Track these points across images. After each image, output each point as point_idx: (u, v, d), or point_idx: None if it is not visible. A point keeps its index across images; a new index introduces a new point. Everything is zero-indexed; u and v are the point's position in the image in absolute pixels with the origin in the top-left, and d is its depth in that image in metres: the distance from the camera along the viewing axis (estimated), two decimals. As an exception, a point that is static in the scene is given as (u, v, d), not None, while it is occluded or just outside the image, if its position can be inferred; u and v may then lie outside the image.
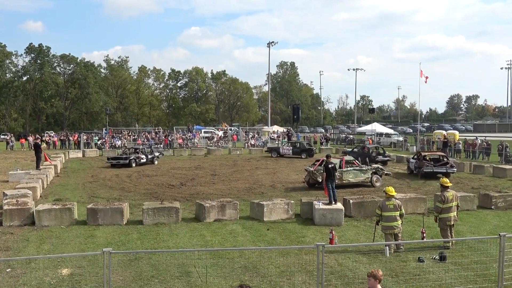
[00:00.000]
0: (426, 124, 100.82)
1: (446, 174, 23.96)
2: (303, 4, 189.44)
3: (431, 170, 24.87)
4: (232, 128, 69.18)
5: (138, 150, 34.23)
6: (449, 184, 12.14)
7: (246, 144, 52.47)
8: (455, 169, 25.63)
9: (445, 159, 26.65)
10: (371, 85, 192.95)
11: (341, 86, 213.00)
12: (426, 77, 44.18)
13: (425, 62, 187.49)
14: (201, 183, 23.63)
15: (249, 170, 29.59)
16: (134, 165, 31.11)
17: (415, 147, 45.73)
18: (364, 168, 22.41)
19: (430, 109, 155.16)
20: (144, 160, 32.65)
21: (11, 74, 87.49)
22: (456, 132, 49.18)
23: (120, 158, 31.67)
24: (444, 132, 50.03)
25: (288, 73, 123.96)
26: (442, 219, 11.80)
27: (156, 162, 33.80)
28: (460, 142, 41.45)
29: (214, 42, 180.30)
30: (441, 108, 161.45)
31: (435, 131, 56.46)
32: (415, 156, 27.95)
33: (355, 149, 36.76)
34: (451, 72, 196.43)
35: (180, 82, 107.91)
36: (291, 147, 39.31)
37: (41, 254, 11.12)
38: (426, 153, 28.26)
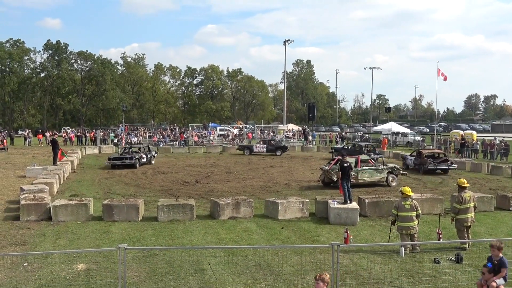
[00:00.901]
0: (443, 124, 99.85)
1: (446, 171, 26.82)
2: (319, 2, 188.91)
3: (435, 167, 26.67)
4: (248, 126, 69.16)
5: (139, 149, 31.71)
6: (467, 185, 11.99)
7: (261, 142, 52.39)
8: (456, 166, 27.71)
9: (444, 156, 28.82)
10: (387, 84, 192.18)
11: (357, 85, 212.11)
12: (444, 76, 43.82)
13: (443, 61, 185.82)
14: (216, 181, 23.67)
15: (264, 168, 29.57)
16: (138, 165, 28.67)
17: (431, 147, 45.29)
18: (380, 168, 22.25)
19: (448, 109, 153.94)
20: (145, 159, 30.09)
21: (29, 71, 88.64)
22: (474, 132, 48.60)
23: (124, 158, 28.65)
24: (461, 132, 49.45)
25: (304, 71, 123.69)
26: (459, 220, 11.67)
27: (153, 162, 31.52)
28: (478, 142, 40.98)
29: (230, 39, 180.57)
30: (458, 108, 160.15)
31: (452, 131, 55.84)
32: (413, 154, 30.08)
33: (345, 146, 38.22)
34: (469, 71, 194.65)
35: (196, 79, 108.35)
36: (265, 145, 39.32)
37: (57, 249, 11.22)
38: (426, 151, 29.88)
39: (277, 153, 38.50)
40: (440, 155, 28.87)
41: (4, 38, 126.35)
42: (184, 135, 51.06)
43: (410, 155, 30.03)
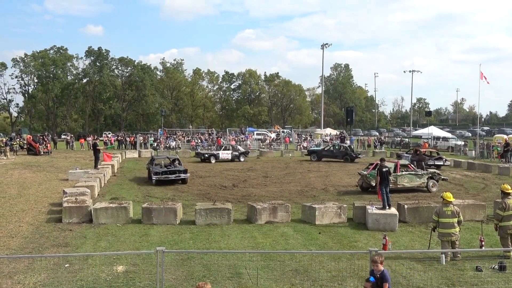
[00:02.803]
0: (486, 128, 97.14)
1: (439, 167, 30.67)
2: (358, 4, 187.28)
3: (433, 163, 30.64)
4: (285, 130, 69.10)
5: (174, 160, 26.61)
6: (511, 191, 11.62)
7: (299, 146, 52.31)
8: (449, 163, 33.33)
9: (437, 154, 33.75)
10: (427, 87, 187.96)
11: (397, 88, 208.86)
12: (486, 80, 42.91)
13: (485, 64, 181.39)
14: (253, 185, 23.72)
15: (301, 172, 29.46)
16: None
17: (473, 151, 44.19)
18: (420, 173, 21.84)
19: (490, 112, 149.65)
20: None
21: (72, 77, 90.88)
22: (518, 137, 47.12)
23: (178, 171, 24.12)
24: (505, 136, 48.00)
25: (342, 75, 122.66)
26: (502, 227, 11.32)
27: None
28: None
29: (267, 44, 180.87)
30: (502, 112, 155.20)
31: (496, 135, 54.32)
32: (409, 151, 35.24)
33: (326, 148, 40.40)
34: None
35: (233, 84, 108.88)
36: (230, 151, 38.22)
37: (97, 251, 11.44)
38: (422, 149, 33.89)
39: (241, 159, 37.74)
40: (432, 153, 33.75)
41: (48, 45, 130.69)
42: (222, 140, 51.40)
43: (407, 153, 35.04)
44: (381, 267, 7.32)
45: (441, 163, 31.98)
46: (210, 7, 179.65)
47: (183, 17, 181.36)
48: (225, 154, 37.63)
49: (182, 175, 24.09)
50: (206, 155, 37.16)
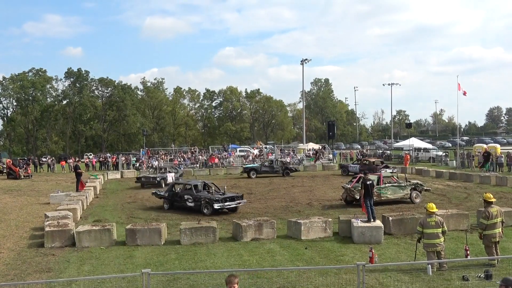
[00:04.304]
0: (465, 138, 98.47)
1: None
2: (336, 20, 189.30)
3: (384, 171, 28.63)
4: (267, 146, 69.17)
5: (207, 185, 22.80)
6: (493, 200, 11.77)
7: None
8: (396, 170, 31.68)
9: (381, 164, 35.35)
10: (407, 100, 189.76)
11: (376, 102, 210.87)
12: (464, 92, 43.69)
13: (462, 75, 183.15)
14: (238, 202, 23.57)
15: (285, 188, 29.45)
16: None
17: (454, 161, 44.66)
18: (403, 184, 21.98)
19: (469, 122, 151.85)
20: None
21: (52, 99, 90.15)
22: (498, 146, 47.72)
23: (237, 198, 21.11)
24: (485, 145, 48.63)
25: (322, 90, 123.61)
26: (486, 235, 11.43)
27: None
28: (502, 155, 40.27)
29: (248, 61, 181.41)
30: (480, 121, 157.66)
31: (475, 145, 55.01)
32: (355, 162, 39.04)
33: (264, 164, 39.99)
34: (489, 84, 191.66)
35: (215, 101, 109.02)
36: (173, 174, 35.20)
37: (81, 275, 11.25)
38: (369, 159, 36.96)
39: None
40: (375, 163, 35.31)
41: (27, 67, 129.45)
42: (216, 158, 50.95)
43: (353, 163, 38.18)
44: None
45: (390, 170, 31.75)
46: (190, 26, 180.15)
47: (163, 37, 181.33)
48: (171, 178, 33.91)
49: (242, 202, 21.35)
50: (158, 179, 32.88)
